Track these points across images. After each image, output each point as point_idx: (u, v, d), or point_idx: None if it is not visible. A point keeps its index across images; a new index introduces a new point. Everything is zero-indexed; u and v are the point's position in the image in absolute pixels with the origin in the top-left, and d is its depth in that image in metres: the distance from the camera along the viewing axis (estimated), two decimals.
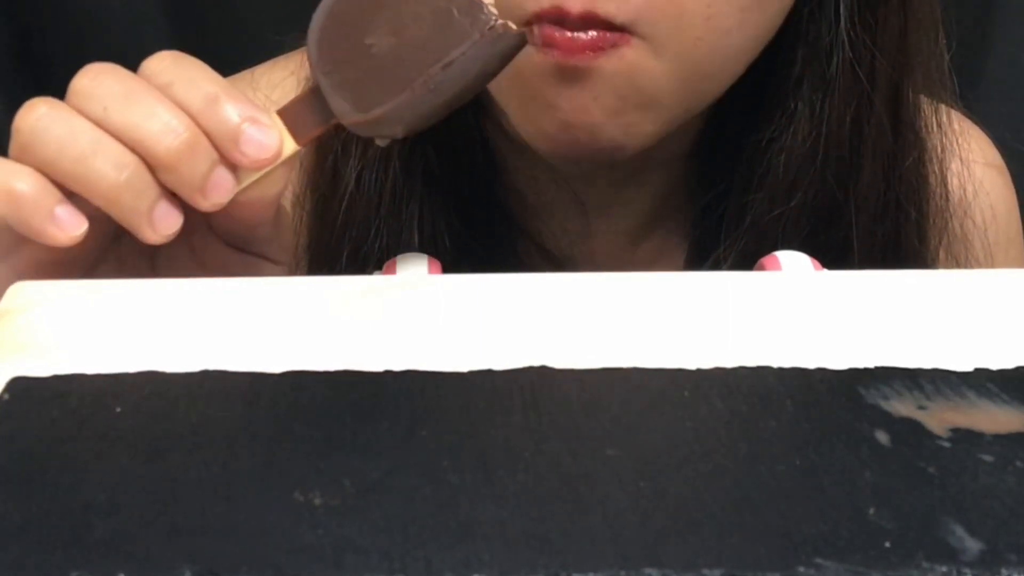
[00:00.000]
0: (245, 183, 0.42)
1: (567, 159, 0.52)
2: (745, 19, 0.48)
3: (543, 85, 0.47)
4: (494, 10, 0.41)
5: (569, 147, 0.49)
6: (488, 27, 0.41)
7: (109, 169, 0.40)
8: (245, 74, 0.61)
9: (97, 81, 0.41)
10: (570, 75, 0.47)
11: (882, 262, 0.55)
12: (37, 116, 0.41)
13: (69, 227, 0.40)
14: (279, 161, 0.43)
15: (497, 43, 0.41)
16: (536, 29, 0.45)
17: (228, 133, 0.41)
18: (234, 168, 0.42)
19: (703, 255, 0.57)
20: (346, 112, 0.42)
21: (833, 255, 0.53)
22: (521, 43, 0.42)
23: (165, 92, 0.41)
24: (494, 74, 0.43)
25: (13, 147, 0.41)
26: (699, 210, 0.58)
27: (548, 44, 0.46)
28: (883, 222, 0.56)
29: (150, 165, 0.40)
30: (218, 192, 0.41)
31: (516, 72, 0.46)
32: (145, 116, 0.40)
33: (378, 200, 0.55)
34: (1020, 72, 0.90)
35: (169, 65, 0.42)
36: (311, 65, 0.43)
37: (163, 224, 0.41)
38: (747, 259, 0.54)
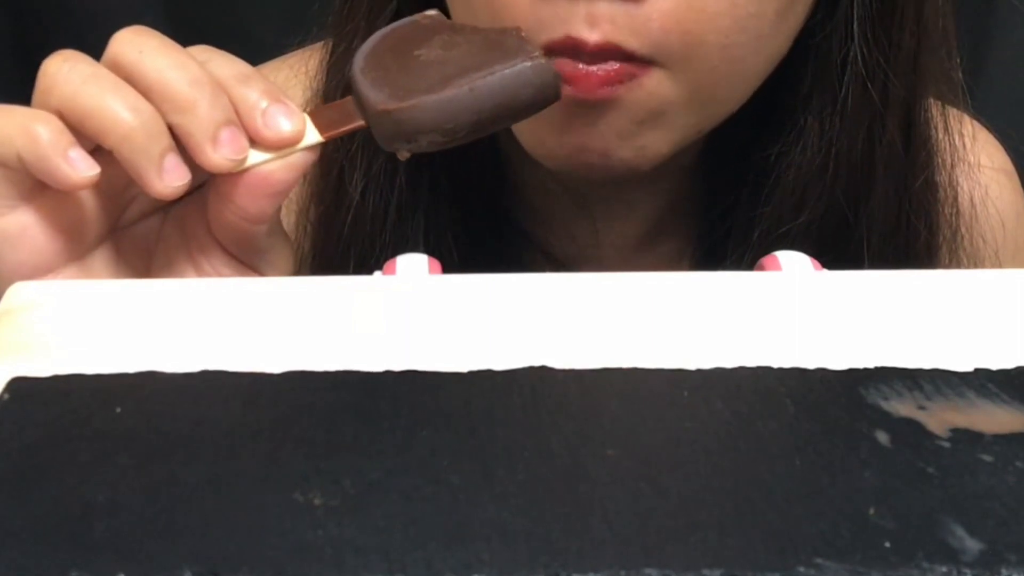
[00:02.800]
0: (260, 160, 0.43)
1: (577, 178, 0.52)
2: (761, 47, 0.48)
3: (555, 111, 0.47)
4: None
5: (581, 167, 0.49)
6: (533, 54, 0.43)
7: (125, 110, 0.41)
8: None
9: (138, 34, 0.43)
10: (586, 107, 0.47)
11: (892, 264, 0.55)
12: (63, 58, 0.42)
13: (81, 168, 0.41)
14: (300, 147, 0.43)
15: (538, 74, 0.43)
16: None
17: (254, 104, 0.42)
18: (253, 143, 0.43)
19: (709, 267, 0.57)
20: (381, 99, 0.43)
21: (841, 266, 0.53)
22: (556, 90, 0.44)
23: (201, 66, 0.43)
24: (526, 108, 0.44)
25: (36, 91, 0.42)
26: (706, 222, 0.58)
27: (564, 80, 0.45)
28: (894, 240, 0.55)
29: (168, 109, 0.41)
30: (229, 146, 0.42)
31: None
32: (174, 65, 0.42)
33: (383, 213, 0.55)
34: (1020, 72, 0.90)
35: (207, 50, 0.44)
36: (354, 71, 0.44)
37: (171, 175, 0.42)
38: None
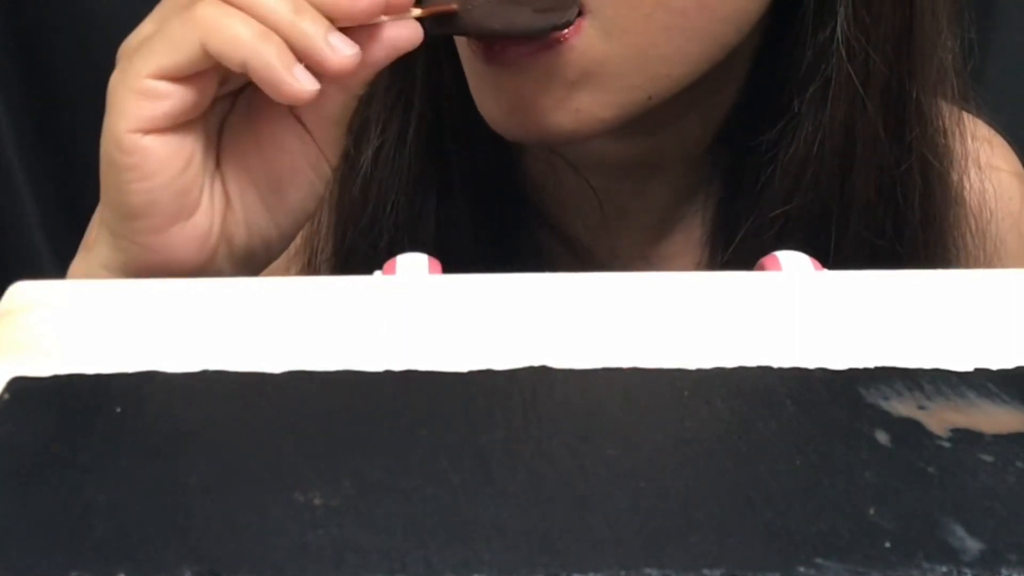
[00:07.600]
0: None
1: (520, 140, 0.51)
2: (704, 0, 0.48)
3: (485, 69, 0.47)
4: None
5: (519, 130, 0.49)
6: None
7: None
8: None
9: None
10: (510, 70, 0.47)
11: (888, 260, 0.55)
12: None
13: (306, 82, 0.41)
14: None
15: None
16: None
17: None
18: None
19: (723, 247, 0.57)
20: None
21: (831, 257, 0.53)
22: None
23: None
24: None
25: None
26: (717, 208, 0.58)
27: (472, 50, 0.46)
28: (881, 224, 0.55)
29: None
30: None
31: (464, 54, 0.47)
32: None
33: (396, 182, 0.55)
34: (1020, 72, 0.90)
35: None
36: None
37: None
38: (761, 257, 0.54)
